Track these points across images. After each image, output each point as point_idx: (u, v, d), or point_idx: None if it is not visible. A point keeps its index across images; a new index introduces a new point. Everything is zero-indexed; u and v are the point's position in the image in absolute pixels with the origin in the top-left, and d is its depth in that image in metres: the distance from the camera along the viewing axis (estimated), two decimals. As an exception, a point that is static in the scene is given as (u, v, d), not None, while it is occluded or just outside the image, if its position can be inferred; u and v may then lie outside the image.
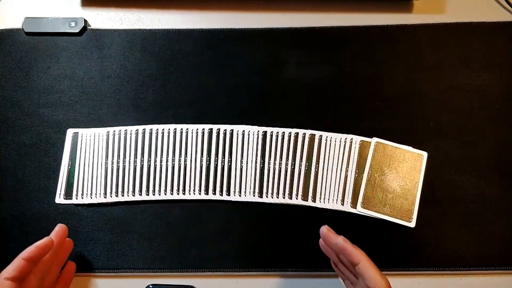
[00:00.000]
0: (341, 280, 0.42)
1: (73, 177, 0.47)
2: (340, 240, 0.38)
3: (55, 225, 0.45)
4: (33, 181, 0.47)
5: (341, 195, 0.46)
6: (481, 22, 0.52)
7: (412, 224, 0.45)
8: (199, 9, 0.55)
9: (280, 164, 0.47)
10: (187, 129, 0.48)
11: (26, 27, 0.52)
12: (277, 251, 0.45)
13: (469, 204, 0.46)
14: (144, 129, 0.48)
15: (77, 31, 0.52)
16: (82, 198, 0.46)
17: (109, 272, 0.45)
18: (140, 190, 0.47)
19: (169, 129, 0.48)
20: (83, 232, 0.46)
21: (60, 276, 0.42)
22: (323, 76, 0.51)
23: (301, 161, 0.47)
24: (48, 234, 0.45)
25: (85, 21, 0.53)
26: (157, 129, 0.48)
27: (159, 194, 0.46)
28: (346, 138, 0.48)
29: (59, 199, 0.46)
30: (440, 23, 0.53)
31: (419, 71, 0.51)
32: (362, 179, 0.47)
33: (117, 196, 0.47)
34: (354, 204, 0.46)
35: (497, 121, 0.49)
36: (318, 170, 0.47)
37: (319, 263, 0.44)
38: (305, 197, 0.46)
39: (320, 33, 0.52)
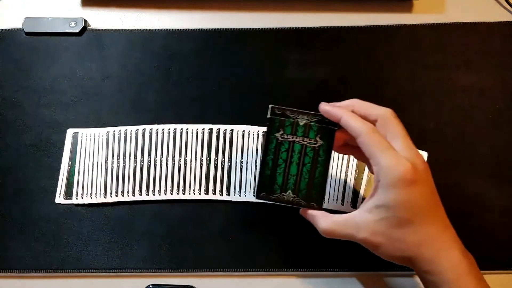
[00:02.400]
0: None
1: (73, 177, 0.47)
2: (321, 106, 0.37)
3: (55, 225, 0.46)
4: (33, 181, 0.47)
5: (341, 195, 0.46)
6: (481, 22, 0.52)
7: (412, 224, 0.45)
8: (199, 9, 0.55)
9: (280, 164, 0.47)
10: (187, 129, 0.48)
11: (26, 27, 0.52)
12: (277, 251, 0.45)
13: (469, 204, 0.46)
14: (144, 129, 0.48)
15: (77, 31, 0.52)
16: (82, 198, 0.46)
17: (109, 272, 0.45)
18: (140, 190, 0.47)
19: (169, 129, 0.48)
20: (83, 232, 0.46)
21: None
22: (323, 76, 0.51)
23: (301, 161, 0.47)
24: (48, 234, 0.45)
25: (85, 21, 0.53)
26: (157, 129, 0.48)
27: (159, 194, 0.46)
28: (346, 138, 0.48)
29: (59, 199, 0.46)
30: (440, 23, 0.53)
31: (419, 71, 0.51)
32: (362, 179, 0.47)
33: (117, 196, 0.47)
34: (354, 204, 0.46)
35: (497, 121, 0.49)
36: (318, 170, 0.47)
37: (319, 263, 0.44)
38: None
39: (320, 33, 0.52)
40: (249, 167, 0.47)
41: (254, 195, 0.38)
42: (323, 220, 0.37)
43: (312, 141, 0.38)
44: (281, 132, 0.38)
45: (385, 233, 0.34)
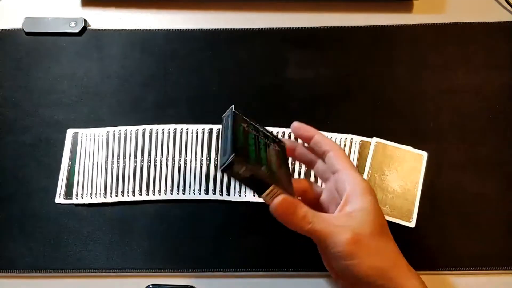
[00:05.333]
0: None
1: (73, 177, 0.47)
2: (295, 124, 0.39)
3: (55, 225, 0.46)
4: (33, 181, 0.47)
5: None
6: (481, 22, 0.52)
7: (412, 224, 0.45)
8: (199, 9, 0.55)
9: (280, 164, 0.47)
10: (187, 129, 0.48)
11: (26, 27, 0.52)
12: (277, 251, 0.45)
13: (469, 204, 0.46)
14: (144, 129, 0.48)
15: (77, 31, 0.52)
16: (82, 198, 0.46)
17: (109, 272, 0.45)
18: (140, 190, 0.47)
19: (169, 129, 0.48)
20: (83, 232, 0.46)
21: None
22: (323, 76, 0.51)
23: (301, 161, 0.47)
24: (48, 234, 0.45)
25: (85, 21, 0.53)
26: (157, 129, 0.48)
27: (159, 194, 0.46)
28: (346, 138, 0.48)
29: (59, 199, 0.46)
30: (440, 23, 0.53)
31: (419, 71, 0.51)
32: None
33: (117, 196, 0.47)
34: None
35: (497, 121, 0.49)
36: (318, 170, 0.47)
37: (319, 263, 0.44)
38: (305, 197, 0.46)
39: (320, 33, 0.52)
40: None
41: (227, 159, 0.30)
42: (305, 208, 0.33)
43: (271, 143, 0.37)
44: (246, 125, 0.36)
45: (370, 236, 0.33)
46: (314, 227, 0.32)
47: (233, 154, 0.30)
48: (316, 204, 0.40)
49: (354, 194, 0.35)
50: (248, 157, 0.31)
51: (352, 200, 0.35)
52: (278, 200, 0.32)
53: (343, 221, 0.34)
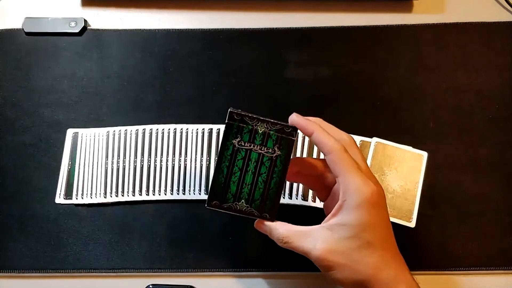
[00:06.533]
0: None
1: (73, 177, 0.47)
2: (293, 117, 0.36)
3: (55, 225, 0.46)
4: (33, 181, 0.47)
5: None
6: (481, 22, 0.52)
7: (412, 224, 0.45)
8: (199, 9, 0.55)
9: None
10: (187, 129, 0.48)
11: (26, 27, 0.52)
12: (277, 251, 0.45)
13: (469, 204, 0.46)
14: (144, 129, 0.48)
15: (77, 31, 0.52)
16: (82, 198, 0.46)
17: (109, 272, 0.45)
18: (140, 190, 0.47)
19: (169, 129, 0.48)
20: (83, 232, 0.46)
21: None
22: (323, 76, 0.51)
23: (301, 161, 0.47)
24: (48, 234, 0.45)
25: (85, 21, 0.53)
26: (157, 129, 0.48)
27: (159, 194, 0.46)
28: (346, 138, 0.48)
29: (59, 199, 0.46)
30: (440, 23, 0.53)
31: (419, 71, 0.51)
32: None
33: (117, 196, 0.47)
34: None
35: (497, 121, 0.49)
36: (318, 170, 0.47)
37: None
38: (305, 197, 0.46)
39: (320, 33, 0.52)
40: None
41: (206, 201, 0.36)
42: (281, 228, 0.36)
43: (270, 151, 0.37)
44: (238, 139, 0.37)
45: (344, 253, 0.33)
46: (291, 245, 0.35)
47: (207, 203, 0.36)
48: (330, 191, 0.39)
49: (345, 206, 0.34)
50: (226, 197, 0.36)
51: (342, 212, 0.34)
52: (255, 224, 0.38)
53: (322, 235, 0.34)
